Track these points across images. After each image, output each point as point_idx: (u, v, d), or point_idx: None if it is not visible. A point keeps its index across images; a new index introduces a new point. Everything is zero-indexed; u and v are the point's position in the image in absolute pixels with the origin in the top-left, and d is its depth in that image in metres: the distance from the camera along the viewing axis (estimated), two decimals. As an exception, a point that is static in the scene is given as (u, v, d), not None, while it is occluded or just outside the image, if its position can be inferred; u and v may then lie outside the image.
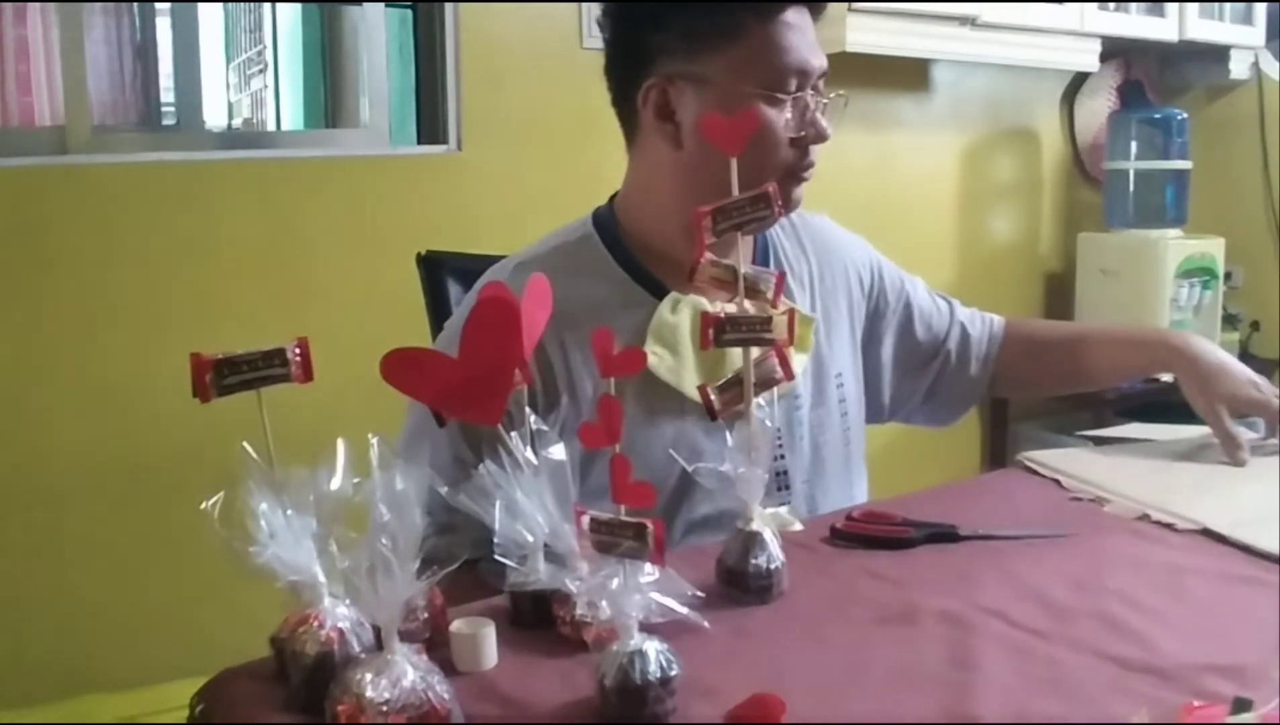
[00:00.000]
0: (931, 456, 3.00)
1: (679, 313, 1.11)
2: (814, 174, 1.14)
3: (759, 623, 0.83)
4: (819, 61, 1.10)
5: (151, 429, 1.93)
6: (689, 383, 1.08)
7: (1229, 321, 3.09)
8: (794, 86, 1.08)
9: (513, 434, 0.80)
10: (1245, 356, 3.17)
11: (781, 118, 1.08)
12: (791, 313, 0.89)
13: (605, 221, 1.19)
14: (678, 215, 1.11)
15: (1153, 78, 3.31)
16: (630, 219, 1.18)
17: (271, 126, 3.45)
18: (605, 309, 1.10)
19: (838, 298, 1.27)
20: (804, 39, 1.09)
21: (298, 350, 0.74)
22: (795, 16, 1.08)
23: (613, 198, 1.22)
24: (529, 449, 0.80)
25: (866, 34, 2.41)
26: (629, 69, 1.12)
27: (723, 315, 0.87)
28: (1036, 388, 1.57)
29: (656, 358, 1.07)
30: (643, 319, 1.11)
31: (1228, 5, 3.12)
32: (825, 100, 1.12)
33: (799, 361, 1.17)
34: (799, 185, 1.13)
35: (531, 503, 0.79)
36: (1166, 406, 3.11)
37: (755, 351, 0.89)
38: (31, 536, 1.87)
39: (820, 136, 1.11)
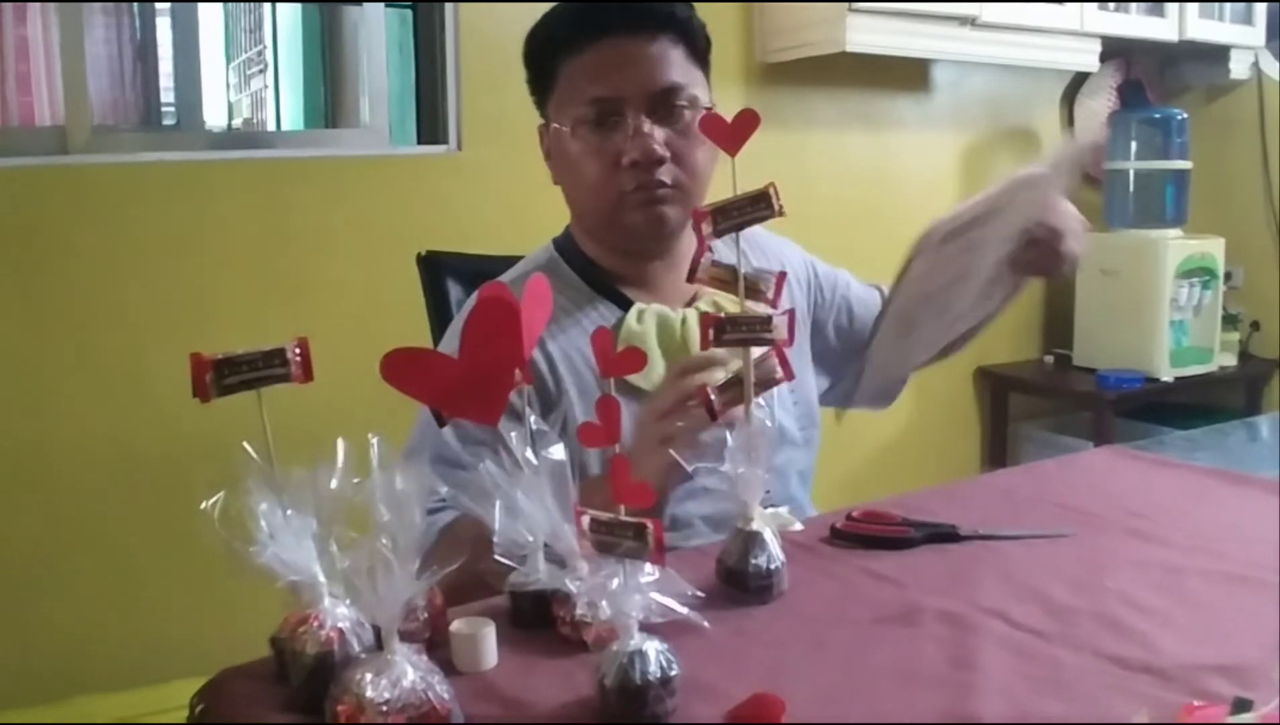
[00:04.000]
0: (931, 456, 3.00)
1: (644, 322, 1.17)
2: (675, 193, 1.15)
3: (759, 623, 0.83)
4: (639, 83, 1.13)
5: (151, 429, 1.93)
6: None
7: (1229, 321, 3.09)
8: (610, 113, 1.14)
9: (512, 434, 0.80)
10: (1245, 356, 3.17)
11: (604, 145, 1.14)
12: (792, 313, 0.89)
13: (565, 245, 1.27)
14: (586, 237, 1.24)
15: (1153, 78, 3.31)
16: (581, 241, 1.26)
17: (271, 126, 3.45)
18: (579, 322, 1.18)
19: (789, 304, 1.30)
20: (620, 67, 1.13)
21: (298, 350, 0.74)
22: (613, 48, 1.14)
23: (567, 228, 1.29)
24: (529, 449, 0.80)
25: (866, 34, 2.41)
26: None
27: (722, 315, 0.87)
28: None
29: None
30: (611, 330, 1.13)
31: (1228, 5, 3.12)
32: (692, 115, 1.15)
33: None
34: (661, 205, 1.15)
35: (531, 503, 0.79)
36: (1166, 407, 3.12)
37: (755, 351, 0.89)
38: (31, 536, 1.87)
39: (645, 156, 1.13)
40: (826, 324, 1.38)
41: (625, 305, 1.20)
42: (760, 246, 1.33)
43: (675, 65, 1.16)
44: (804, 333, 1.33)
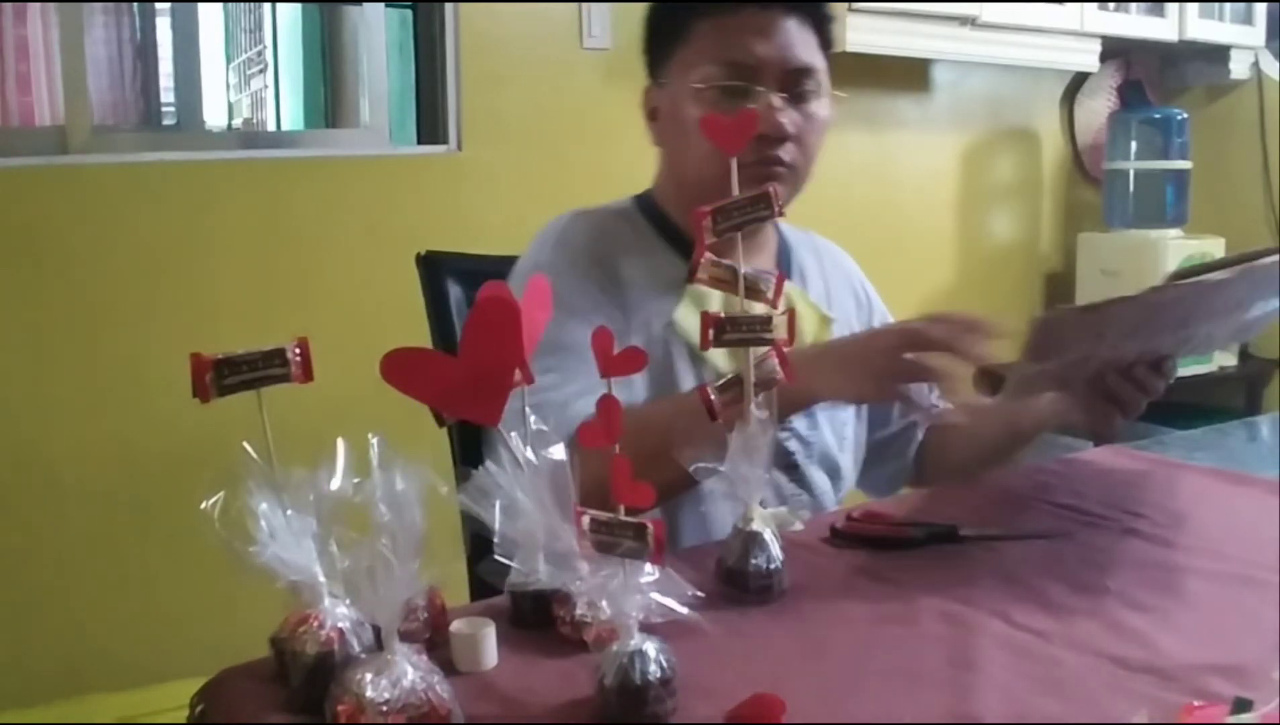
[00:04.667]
0: (931, 456, 3.00)
1: None
2: (789, 173, 1.15)
3: (759, 623, 0.83)
4: (779, 57, 1.12)
5: (151, 429, 1.93)
6: None
7: (1229, 321, 3.09)
8: (740, 80, 1.12)
9: (513, 434, 0.80)
10: (1245, 356, 3.17)
11: (730, 111, 1.09)
12: (791, 313, 0.89)
13: (646, 202, 1.27)
14: (674, 205, 1.23)
15: (1153, 78, 3.31)
16: (664, 204, 1.25)
17: (271, 126, 3.45)
18: (651, 261, 1.19)
19: (848, 316, 1.31)
20: (762, 37, 1.12)
21: (298, 350, 0.74)
22: (757, 17, 1.13)
23: (648, 191, 1.28)
24: (529, 449, 0.80)
25: (866, 34, 2.41)
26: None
27: (722, 315, 0.87)
28: (971, 464, 1.38)
29: (683, 318, 1.14)
30: (678, 279, 1.14)
31: (1228, 5, 3.12)
32: (816, 97, 1.16)
33: None
34: (770, 181, 1.10)
35: (531, 503, 0.79)
36: (1166, 407, 3.12)
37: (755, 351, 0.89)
38: (31, 536, 1.87)
39: (774, 131, 1.12)
40: None
41: None
42: (837, 265, 1.34)
43: (812, 48, 1.16)
44: None
